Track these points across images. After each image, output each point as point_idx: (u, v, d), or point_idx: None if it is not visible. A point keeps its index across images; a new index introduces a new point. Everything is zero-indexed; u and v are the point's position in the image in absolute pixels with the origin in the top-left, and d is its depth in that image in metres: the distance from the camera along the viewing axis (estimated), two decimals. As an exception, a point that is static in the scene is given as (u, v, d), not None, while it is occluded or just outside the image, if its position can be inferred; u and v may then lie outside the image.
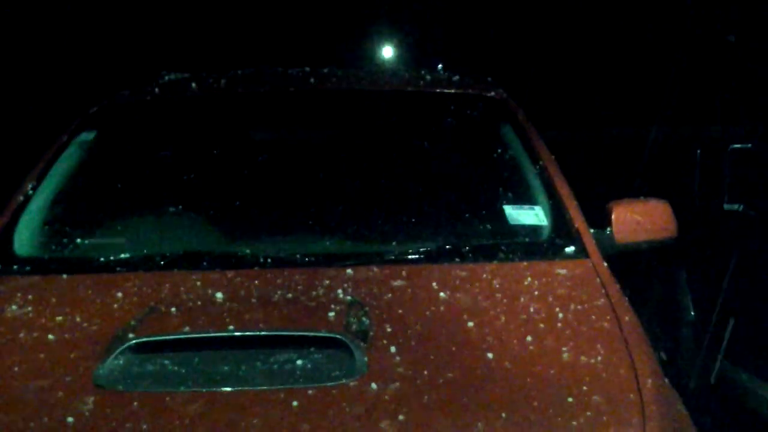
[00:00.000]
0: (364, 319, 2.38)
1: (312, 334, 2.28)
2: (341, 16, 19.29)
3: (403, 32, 21.48)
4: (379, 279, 2.63)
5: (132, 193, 3.15)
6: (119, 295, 2.57)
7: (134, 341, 2.25)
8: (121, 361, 2.21)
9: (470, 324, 2.39)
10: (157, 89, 3.60)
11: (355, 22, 19.92)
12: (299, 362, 2.20)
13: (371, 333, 2.32)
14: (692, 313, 5.62)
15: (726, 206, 5.02)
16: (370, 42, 22.06)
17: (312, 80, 3.58)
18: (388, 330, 2.34)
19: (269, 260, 2.74)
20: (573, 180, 3.34)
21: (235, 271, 2.68)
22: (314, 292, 2.52)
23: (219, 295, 2.53)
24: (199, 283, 2.61)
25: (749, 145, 5.01)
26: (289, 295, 2.51)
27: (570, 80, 15.34)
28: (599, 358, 2.27)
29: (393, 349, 2.25)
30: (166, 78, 3.77)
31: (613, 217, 3.03)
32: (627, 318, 2.51)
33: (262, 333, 2.29)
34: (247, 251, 2.80)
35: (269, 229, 2.96)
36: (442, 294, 2.54)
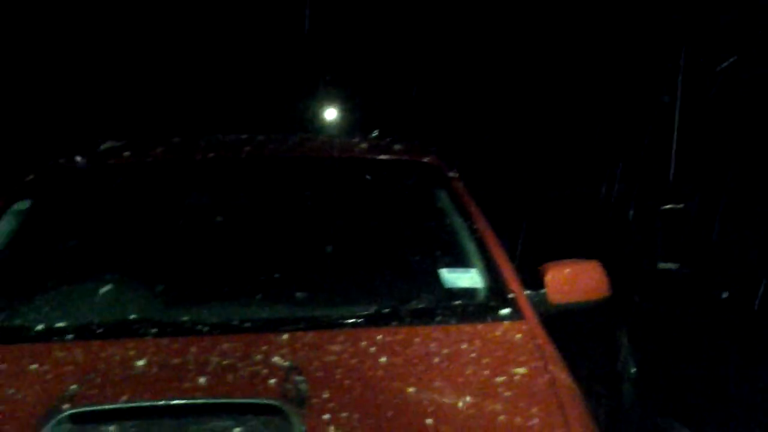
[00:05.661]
0: (301, 385, 2.38)
1: (249, 401, 2.27)
2: (285, 78, 19.44)
3: (346, 94, 21.72)
4: (317, 344, 2.63)
5: (68, 261, 3.12)
6: (55, 364, 2.54)
7: (70, 412, 2.22)
8: None
9: (409, 389, 2.40)
10: (94, 157, 3.59)
11: (298, 84, 20.08)
12: (236, 430, 2.19)
13: (309, 399, 2.32)
14: (633, 370, 5.69)
15: (661, 265, 5.12)
16: (313, 104, 22.25)
17: (247, 148, 3.60)
18: (326, 396, 2.35)
19: (206, 327, 2.73)
20: (509, 241, 3.39)
21: (172, 339, 2.67)
22: (251, 359, 2.52)
23: (156, 363, 2.51)
24: (135, 352, 2.59)
25: (681, 206, 5.13)
26: (226, 362, 2.50)
27: (501, 141, 15.59)
28: (535, 420, 2.30)
29: (331, 415, 2.26)
30: (104, 146, 3.76)
31: (546, 278, 3.08)
32: (563, 379, 2.54)
33: (200, 401, 2.28)
34: (184, 319, 2.78)
35: (206, 297, 2.96)
36: (379, 358, 2.56)
